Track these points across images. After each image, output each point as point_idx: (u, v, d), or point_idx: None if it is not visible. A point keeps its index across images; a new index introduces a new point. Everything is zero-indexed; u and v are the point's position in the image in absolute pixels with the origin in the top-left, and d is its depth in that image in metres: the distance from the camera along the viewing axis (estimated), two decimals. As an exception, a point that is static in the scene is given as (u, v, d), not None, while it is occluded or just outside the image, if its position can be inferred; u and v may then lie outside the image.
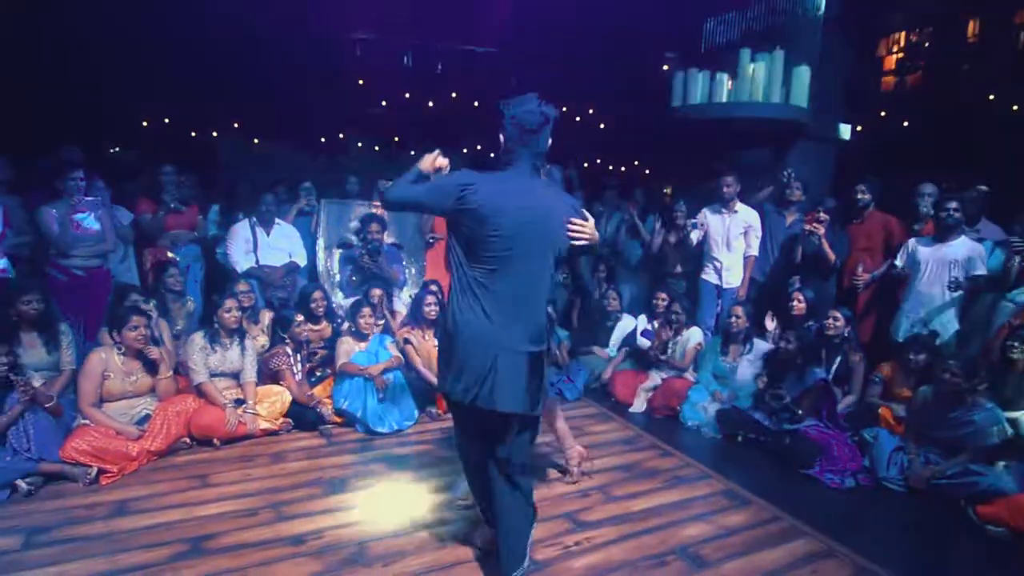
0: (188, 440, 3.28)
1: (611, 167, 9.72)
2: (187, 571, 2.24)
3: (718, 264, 4.68)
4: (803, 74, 4.85)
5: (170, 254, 4.33)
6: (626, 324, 4.87)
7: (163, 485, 2.88)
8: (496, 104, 2.02)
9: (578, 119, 8.32)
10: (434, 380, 4.01)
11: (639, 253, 5.45)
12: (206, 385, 3.37)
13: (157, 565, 2.26)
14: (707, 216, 4.70)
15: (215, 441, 3.29)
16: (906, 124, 6.74)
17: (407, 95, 7.05)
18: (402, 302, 4.78)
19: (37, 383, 3.01)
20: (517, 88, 7.27)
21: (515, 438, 2.07)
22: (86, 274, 3.82)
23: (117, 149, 6.85)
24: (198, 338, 3.45)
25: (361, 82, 7.00)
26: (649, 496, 2.95)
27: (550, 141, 2.03)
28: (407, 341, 4.05)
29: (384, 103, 7.65)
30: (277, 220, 4.62)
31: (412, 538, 2.49)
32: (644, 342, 4.59)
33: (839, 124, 5.46)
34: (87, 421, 3.03)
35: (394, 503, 2.79)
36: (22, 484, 2.71)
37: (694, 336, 4.28)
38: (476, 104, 7.56)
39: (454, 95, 7.23)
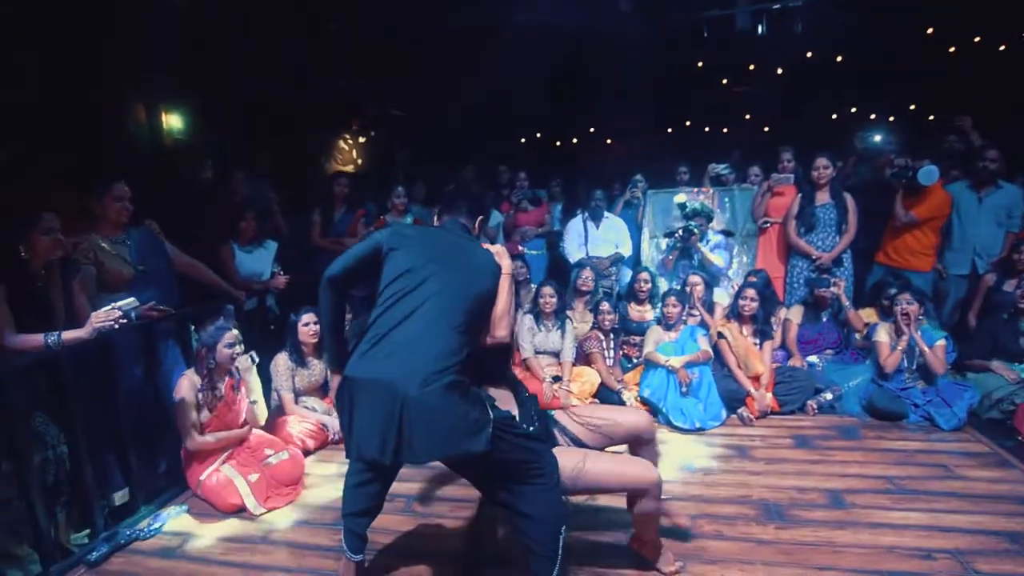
0: (514, 407, 3.86)
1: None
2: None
3: None
4: None
5: (520, 248, 5.13)
6: (1058, 334, 3.38)
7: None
8: None
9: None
10: (746, 382, 3.65)
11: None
12: (531, 360, 3.90)
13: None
14: None
15: (534, 411, 3.78)
16: None
17: (751, 67, 6.39)
18: (727, 293, 4.47)
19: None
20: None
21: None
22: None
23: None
24: (527, 320, 4.01)
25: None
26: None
27: None
28: (721, 336, 3.78)
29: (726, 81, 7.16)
30: (607, 213, 4.93)
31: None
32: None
33: None
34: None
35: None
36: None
37: None
38: (839, 59, 6.28)
39: (809, 54, 6.17)
